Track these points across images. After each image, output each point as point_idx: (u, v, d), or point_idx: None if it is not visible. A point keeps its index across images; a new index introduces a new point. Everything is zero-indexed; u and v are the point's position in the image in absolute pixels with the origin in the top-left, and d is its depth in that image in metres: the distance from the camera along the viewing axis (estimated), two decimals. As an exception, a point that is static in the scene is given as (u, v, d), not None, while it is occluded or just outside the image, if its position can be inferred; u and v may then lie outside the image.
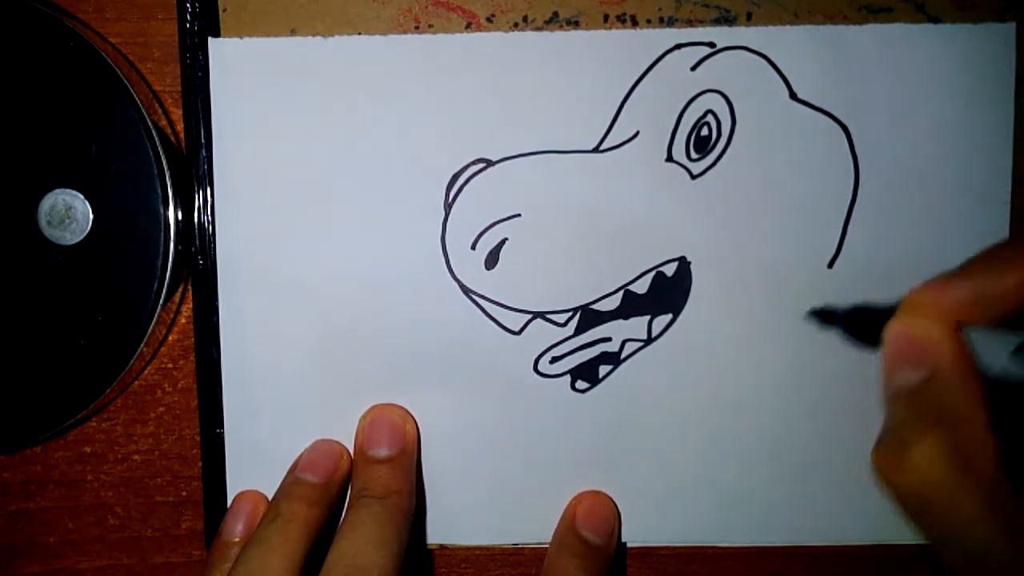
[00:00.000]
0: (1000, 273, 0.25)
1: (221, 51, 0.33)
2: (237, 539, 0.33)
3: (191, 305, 0.34)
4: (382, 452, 0.33)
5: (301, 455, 0.33)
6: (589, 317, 0.33)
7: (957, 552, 0.24)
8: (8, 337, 0.32)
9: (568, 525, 0.34)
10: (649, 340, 0.34)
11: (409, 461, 0.33)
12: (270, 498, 0.34)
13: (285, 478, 0.33)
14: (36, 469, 0.35)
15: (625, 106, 0.33)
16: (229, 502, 0.34)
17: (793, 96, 0.33)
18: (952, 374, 0.25)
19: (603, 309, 0.33)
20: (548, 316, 0.33)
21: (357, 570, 0.29)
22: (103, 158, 0.32)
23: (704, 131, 0.33)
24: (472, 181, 0.33)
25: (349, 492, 0.33)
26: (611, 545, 0.34)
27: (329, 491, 0.32)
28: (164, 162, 0.32)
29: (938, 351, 0.25)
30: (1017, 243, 0.26)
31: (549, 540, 0.34)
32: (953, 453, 0.24)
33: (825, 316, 0.31)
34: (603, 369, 0.34)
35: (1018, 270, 0.25)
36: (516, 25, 0.33)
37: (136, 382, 0.35)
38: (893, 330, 0.26)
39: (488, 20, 0.33)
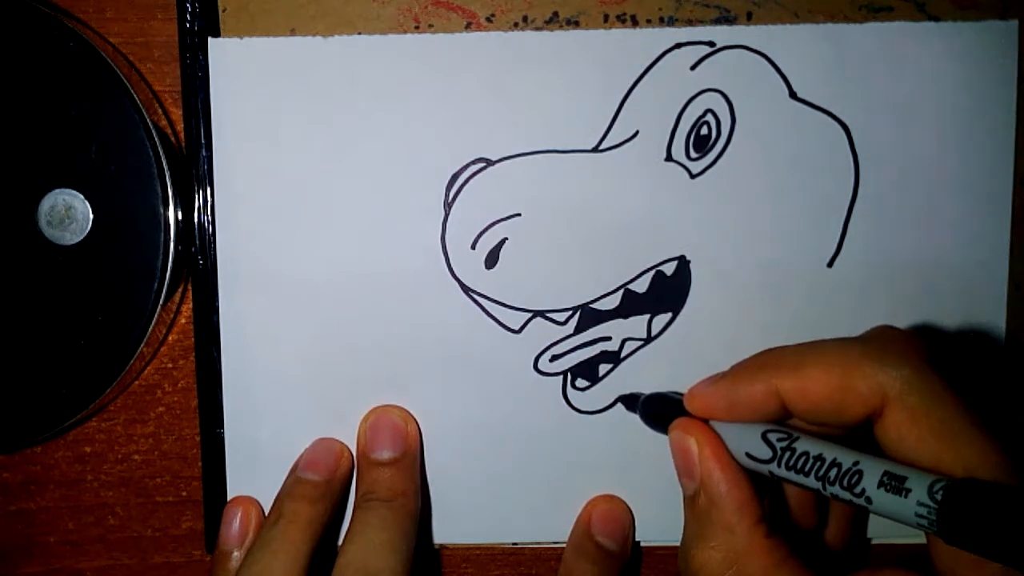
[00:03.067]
0: (750, 382, 0.27)
1: (221, 51, 0.33)
2: (235, 546, 0.33)
3: (191, 305, 0.34)
4: (385, 454, 0.33)
5: (302, 454, 0.33)
6: (589, 316, 0.33)
7: None
8: (8, 337, 0.32)
9: (584, 530, 0.34)
10: (649, 339, 0.34)
11: (412, 462, 0.33)
12: (263, 500, 0.34)
13: (287, 478, 0.33)
14: (36, 469, 0.35)
15: (625, 106, 0.33)
16: (228, 501, 0.34)
17: (793, 95, 0.33)
18: (714, 484, 0.27)
19: (603, 308, 0.33)
20: (548, 315, 0.33)
21: (367, 575, 0.29)
22: (103, 158, 0.32)
23: (704, 130, 0.33)
24: (472, 181, 0.33)
25: (354, 495, 0.33)
26: (626, 550, 0.34)
27: (331, 488, 0.32)
28: (164, 162, 0.32)
29: (700, 462, 0.28)
30: (767, 354, 0.28)
31: (549, 539, 0.34)
32: (725, 561, 0.26)
33: (627, 402, 0.33)
34: (603, 368, 0.34)
35: (763, 380, 0.27)
36: (516, 25, 0.33)
37: (136, 382, 0.35)
38: (671, 439, 0.29)
39: (488, 20, 0.33)
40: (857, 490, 0.24)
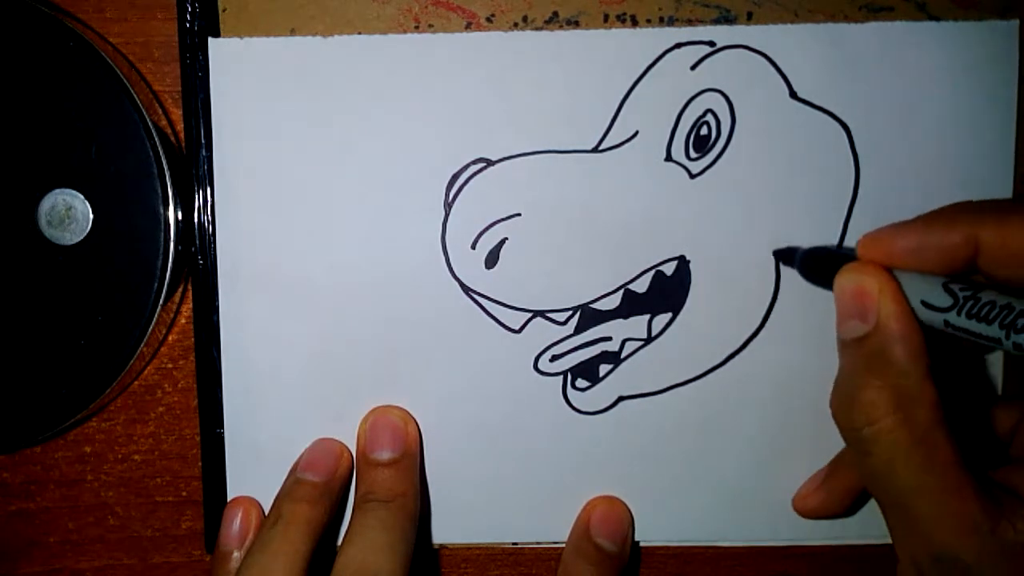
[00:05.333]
0: (947, 228, 0.27)
1: (221, 51, 0.33)
2: (236, 546, 0.33)
3: (191, 305, 0.34)
4: (385, 455, 0.33)
5: (301, 455, 0.33)
6: (589, 316, 0.33)
7: (887, 493, 0.27)
8: (8, 337, 0.32)
9: (583, 531, 0.34)
10: (649, 339, 0.34)
11: (412, 463, 0.33)
12: (263, 500, 0.34)
13: (286, 479, 0.33)
14: (36, 469, 0.35)
15: (625, 106, 0.33)
16: (229, 502, 0.34)
17: (793, 95, 0.33)
18: (893, 328, 0.27)
19: (603, 308, 0.33)
20: (548, 315, 0.33)
21: (366, 575, 0.29)
22: (103, 158, 0.32)
23: (704, 130, 0.33)
24: (472, 181, 0.33)
25: (353, 495, 0.33)
26: (625, 552, 0.34)
27: (331, 489, 0.32)
28: (164, 162, 0.32)
29: (880, 305, 0.27)
30: (966, 204, 0.28)
31: (549, 539, 0.34)
32: (893, 403, 0.26)
33: (785, 256, 0.33)
34: (603, 368, 0.34)
35: (963, 227, 0.26)
36: (516, 25, 0.33)
37: (136, 382, 0.35)
38: (841, 282, 0.28)
39: (488, 20, 0.33)
40: None
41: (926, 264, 0.27)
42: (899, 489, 0.26)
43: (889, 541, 0.28)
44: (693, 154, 0.33)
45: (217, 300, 0.33)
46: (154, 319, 0.32)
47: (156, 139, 0.32)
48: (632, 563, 0.35)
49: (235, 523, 0.33)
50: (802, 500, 0.33)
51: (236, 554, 0.32)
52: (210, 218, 0.33)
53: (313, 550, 0.31)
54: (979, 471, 0.26)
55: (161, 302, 0.32)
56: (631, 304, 0.33)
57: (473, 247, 0.33)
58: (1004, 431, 0.31)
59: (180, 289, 0.34)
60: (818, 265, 0.31)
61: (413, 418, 0.34)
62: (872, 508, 0.33)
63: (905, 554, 0.27)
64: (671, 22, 0.33)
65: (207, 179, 0.33)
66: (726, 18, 0.33)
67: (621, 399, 0.34)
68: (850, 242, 0.33)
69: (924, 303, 0.27)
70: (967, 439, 0.27)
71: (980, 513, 0.25)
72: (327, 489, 0.32)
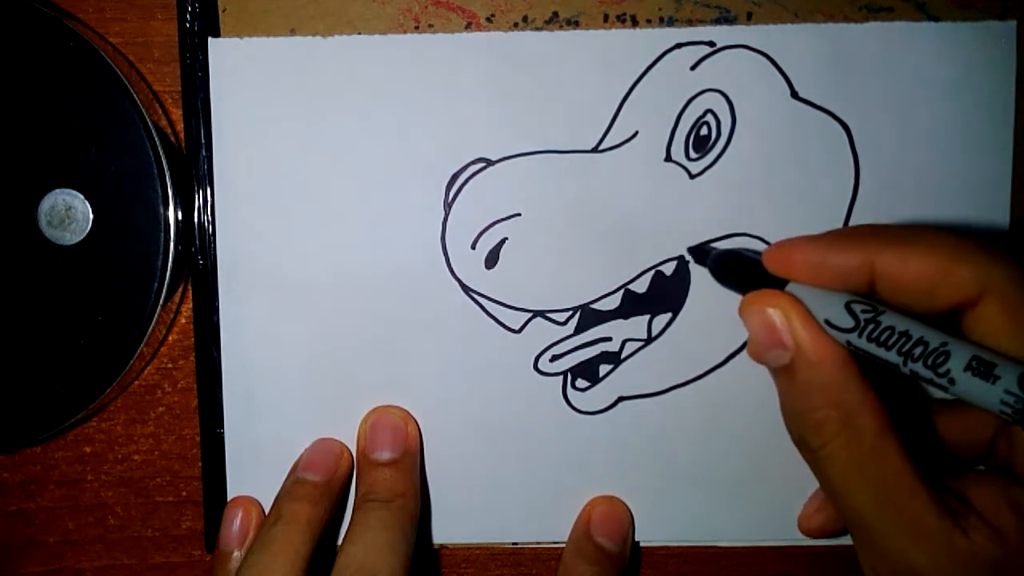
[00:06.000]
0: (846, 250, 0.27)
1: (221, 51, 0.33)
2: (236, 546, 0.33)
3: (191, 305, 0.34)
4: (385, 455, 0.33)
5: (302, 455, 0.33)
6: (589, 316, 0.33)
7: (846, 510, 0.27)
8: (8, 337, 0.32)
9: (583, 531, 0.34)
10: (649, 339, 0.34)
11: (412, 463, 0.33)
12: (263, 500, 0.34)
13: (287, 479, 0.33)
14: (36, 469, 0.35)
15: (624, 106, 0.33)
16: (229, 502, 0.34)
17: (794, 95, 0.33)
18: (812, 353, 0.27)
19: (603, 308, 0.33)
20: (548, 315, 0.33)
21: (366, 575, 0.29)
22: (103, 158, 0.32)
23: (703, 130, 0.33)
24: (472, 181, 0.33)
25: (354, 495, 0.33)
26: (626, 551, 0.34)
27: (331, 489, 0.32)
28: (164, 162, 0.32)
29: (793, 331, 0.27)
30: (869, 228, 0.28)
31: (549, 539, 0.34)
32: (840, 420, 0.26)
33: (697, 254, 0.33)
34: (603, 368, 0.34)
35: (861, 251, 0.26)
36: (516, 25, 0.33)
37: (136, 382, 0.35)
38: (748, 315, 0.28)
39: (488, 20, 0.33)
40: (941, 370, 0.24)
41: (826, 282, 0.27)
42: (856, 505, 0.26)
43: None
44: (693, 154, 0.33)
45: (217, 300, 0.33)
46: (154, 319, 0.32)
47: (156, 139, 0.32)
48: (632, 563, 0.35)
49: (235, 523, 0.33)
50: (807, 520, 0.34)
51: (236, 554, 0.32)
52: (210, 218, 0.33)
53: (313, 550, 0.31)
54: (934, 479, 0.26)
55: (161, 302, 0.32)
56: (631, 304, 0.33)
57: (473, 247, 0.33)
58: (953, 437, 0.31)
59: (180, 289, 0.34)
60: (729, 270, 0.30)
61: (413, 418, 0.34)
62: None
63: (868, 569, 0.27)
64: (671, 22, 0.33)
65: (207, 179, 0.33)
66: (726, 18, 0.33)
67: (621, 399, 0.34)
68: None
69: (828, 322, 0.27)
70: (919, 446, 0.27)
71: (935, 522, 0.25)
72: (327, 489, 0.32)
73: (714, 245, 0.33)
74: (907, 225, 0.27)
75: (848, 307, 0.26)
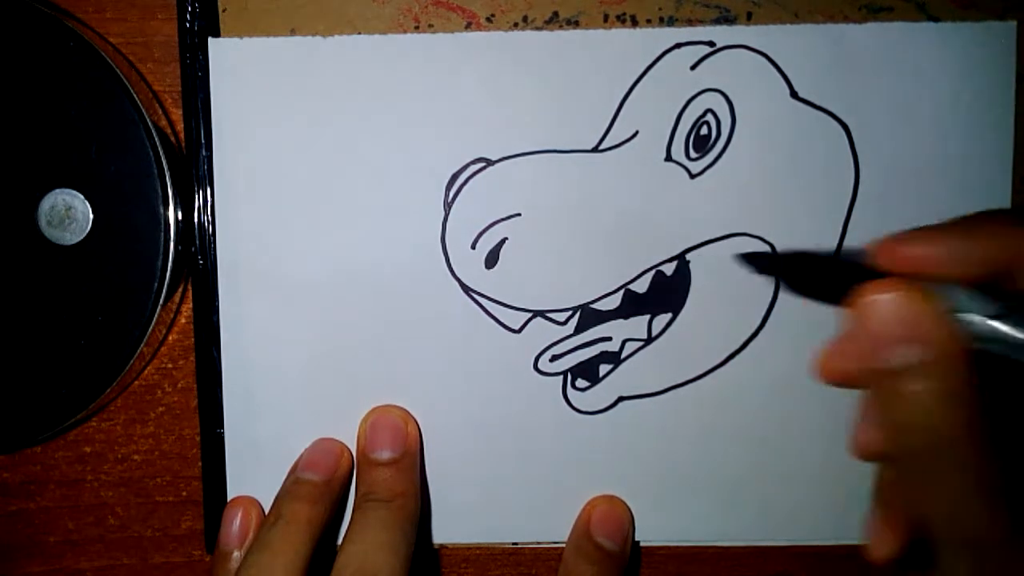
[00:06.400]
0: (974, 235, 0.24)
1: (221, 51, 0.33)
2: (236, 546, 0.33)
3: (191, 305, 0.34)
4: (385, 455, 0.33)
5: (301, 455, 0.33)
6: (589, 316, 0.33)
7: (943, 517, 0.23)
8: (8, 337, 0.32)
9: (583, 531, 0.34)
10: (649, 339, 0.34)
11: (412, 462, 0.33)
12: (263, 500, 0.34)
13: (286, 478, 0.33)
14: (36, 469, 0.35)
15: (625, 105, 0.33)
16: (228, 502, 0.34)
17: (794, 95, 0.33)
18: (954, 357, 0.23)
19: (603, 308, 0.33)
20: (548, 315, 0.33)
21: (365, 575, 0.29)
22: (103, 158, 0.32)
23: (704, 130, 0.33)
24: (472, 181, 0.33)
25: (354, 495, 0.33)
26: (626, 551, 0.34)
27: (331, 489, 0.32)
28: (164, 162, 0.32)
29: (936, 329, 0.23)
30: (990, 212, 0.25)
31: (549, 539, 0.34)
32: (969, 429, 0.22)
33: (756, 262, 0.30)
34: (603, 368, 0.34)
35: (992, 235, 0.24)
36: (516, 25, 0.33)
37: (136, 382, 0.35)
38: (877, 302, 0.24)
39: (488, 20, 0.33)
40: None
41: (958, 276, 0.24)
42: (973, 529, 0.23)
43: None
44: (693, 154, 0.33)
45: (217, 300, 0.33)
46: (154, 319, 0.32)
47: (156, 139, 0.32)
48: (632, 563, 0.35)
49: (235, 523, 0.33)
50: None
51: (236, 554, 0.32)
52: (210, 218, 0.33)
53: (313, 549, 0.31)
54: None
55: (161, 302, 0.32)
56: (631, 304, 0.33)
57: (473, 247, 0.33)
58: None
59: (180, 289, 0.34)
60: (810, 274, 0.28)
61: (413, 417, 0.34)
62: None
63: None
64: (671, 22, 0.33)
65: (207, 179, 0.33)
66: (726, 18, 0.33)
67: (621, 399, 0.34)
68: (850, 242, 0.33)
69: (959, 312, 0.23)
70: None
71: None
72: (327, 489, 0.32)
73: (767, 250, 0.31)
74: None
75: (981, 295, 0.23)
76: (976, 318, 0.23)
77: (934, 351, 0.23)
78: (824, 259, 0.27)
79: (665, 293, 0.33)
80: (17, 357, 0.32)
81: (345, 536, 0.31)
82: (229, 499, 0.34)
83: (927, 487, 0.23)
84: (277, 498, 0.32)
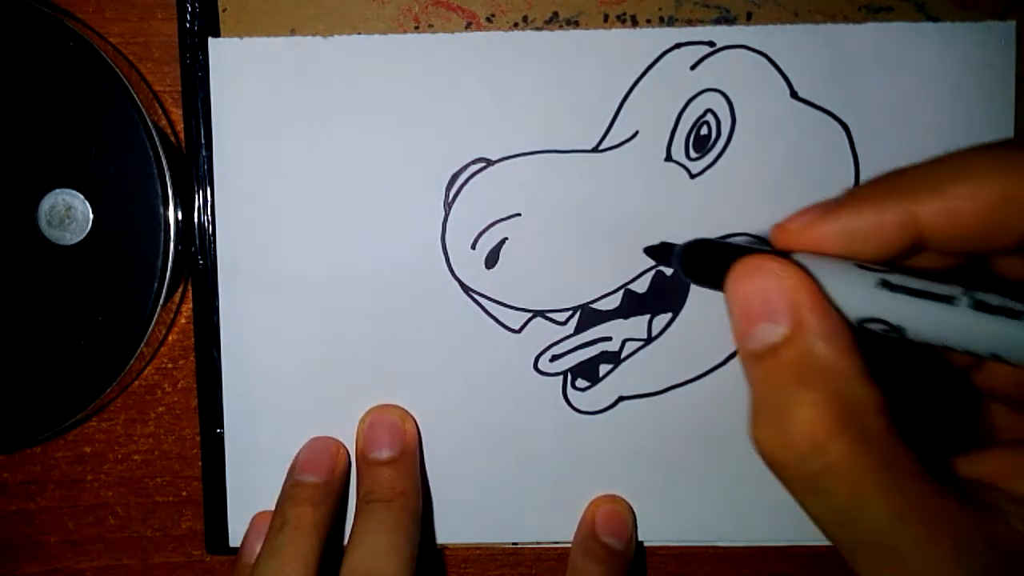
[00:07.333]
0: (879, 208, 0.21)
1: (221, 51, 0.33)
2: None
3: (191, 305, 0.34)
4: (384, 454, 0.33)
5: (297, 456, 0.33)
6: (589, 316, 0.33)
7: (856, 534, 0.21)
8: (8, 337, 0.32)
9: (589, 531, 0.34)
10: (649, 339, 0.34)
11: (412, 461, 0.33)
12: (264, 500, 0.34)
13: (285, 482, 0.33)
14: (36, 469, 0.35)
15: (625, 105, 0.33)
16: (229, 502, 0.34)
17: (794, 95, 0.33)
18: (815, 323, 0.21)
19: (603, 308, 0.33)
20: (548, 315, 0.33)
21: None
22: (103, 158, 0.32)
23: (704, 130, 0.33)
24: (472, 181, 0.33)
25: (355, 496, 0.33)
26: (630, 549, 0.34)
27: (331, 488, 0.32)
28: (164, 162, 0.32)
29: (794, 300, 0.21)
30: (895, 175, 0.22)
31: (550, 539, 0.34)
32: (839, 418, 0.20)
33: (659, 253, 0.28)
34: (603, 368, 0.34)
35: (898, 205, 0.21)
36: (516, 25, 0.33)
37: (136, 382, 0.35)
38: (736, 280, 0.22)
39: (488, 20, 0.33)
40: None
41: (860, 253, 0.22)
42: (875, 527, 0.20)
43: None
44: (693, 154, 0.33)
45: (217, 300, 0.33)
46: (154, 319, 0.32)
47: (156, 139, 0.32)
48: (635, 564, 0.35)
49: (261, 533, 0.33)
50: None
51: None
52: (210, 218, 0.33)
53: (322, 551, 0.31)
54: (936, 470, 0.21)
55: (161, 302, 0.32)
56: (631, 304, 0.33)
57: (473, 247, 0.33)
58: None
59: (180, 289, 0.34)
60: (702, 261, 0.25)
61: (411, 416, 0.34)
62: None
63: None
64: (671, 22, 0.33)
65: (207, 179, 0.33)
66: (726, 18, 0.33)
67: (621, 399, 0.34)
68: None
69: (857, 264, 0.21)
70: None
71: (971, 525, 0.20)
72: (328, 489, 0.32)
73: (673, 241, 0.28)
74: (935, 161, 0.21)
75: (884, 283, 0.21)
76: (854, 295, 0.21)
77: (791, 325, 0.21)
78: (728, 247, 0.24)
79: (665, 293, 0.33)
80: (17, 357, 0.32)
81: (349, 540, 0.31)
82: (255, 513, 0.34)
83: (816, 496, 0.21)
84: (279, 503, 0.32)
